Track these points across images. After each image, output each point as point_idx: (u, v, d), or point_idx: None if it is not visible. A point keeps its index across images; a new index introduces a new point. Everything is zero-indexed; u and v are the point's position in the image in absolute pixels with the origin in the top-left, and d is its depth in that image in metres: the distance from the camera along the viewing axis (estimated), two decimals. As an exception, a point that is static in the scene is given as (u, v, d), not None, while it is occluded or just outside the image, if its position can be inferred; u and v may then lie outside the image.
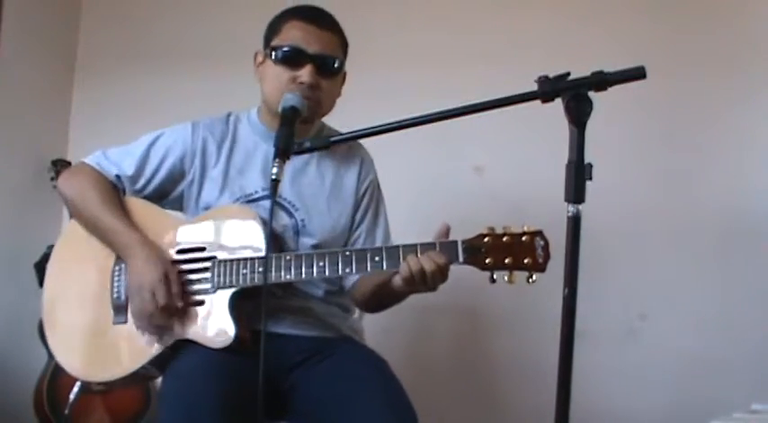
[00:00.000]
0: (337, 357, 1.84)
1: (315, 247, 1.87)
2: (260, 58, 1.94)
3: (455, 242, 1.64)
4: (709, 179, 2.71)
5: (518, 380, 2.79)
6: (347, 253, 1.69)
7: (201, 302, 1.77)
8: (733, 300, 2.64)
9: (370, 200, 1.98)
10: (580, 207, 1.30)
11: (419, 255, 1.63)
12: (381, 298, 1.85)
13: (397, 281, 1.67)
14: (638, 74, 1.31)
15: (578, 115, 1.31)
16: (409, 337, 2.87)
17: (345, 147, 1.97)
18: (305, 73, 1.83)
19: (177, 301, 1.74)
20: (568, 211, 1.30)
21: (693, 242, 2.70)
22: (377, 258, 1.66)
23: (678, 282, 2.70)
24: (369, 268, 1.67)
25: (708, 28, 2.74)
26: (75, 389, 2.78)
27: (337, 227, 1.92)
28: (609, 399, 2.67)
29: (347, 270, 1.68)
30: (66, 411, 2.78)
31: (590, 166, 1.30)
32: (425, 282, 1.63)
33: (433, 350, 2.89)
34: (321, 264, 1.69)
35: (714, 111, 2.72)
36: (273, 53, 1.87)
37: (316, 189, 1.93)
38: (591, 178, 1.30)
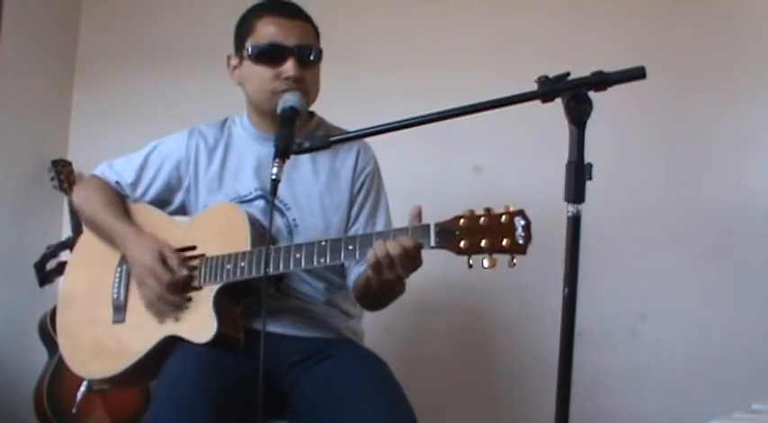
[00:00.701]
0: (337, 358, 1.84)
1: None
2: (234, 62, 1.94)
3: (428, 225, 1.56)
4: (708, 179, 2.71)
5: (518, 380, 2.79)
6: (322, 243, 1.66)
7: (190, 299, 1.78)
8: (733, 300, 2.64)
9: (367, 193, 1.96)
10: (580, 207, 1.29)
11: (388, 240, 1.57)
12: (370, 293, 1.83)
13: (369, 271, 1.63)
14: (638, 74, 1.31)
15: (578, 115, 1.30)
16: (409, 337, 2.86)
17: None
18: (288, 67, 1.82)
19: (179, 272, 1.76)
20: (568, 211, 1.29)
21: (693, 242, 2.70)
22: (350, 247, 1.62)
23: (678, 282, 2.70)
24: (342, 257, 1.63)
25: (707, 28, 2.74)
26: (83, 388, 2.79)
27: (331, 227, 1.91)
28: (609, 399, 2.67)
29: (322, 260, 1.64)
30: (74, 410, 2.78)
31: (590, 166, 1.30)
32: (393, 267, 1.56)
33: (432, 350, 2.88)
34: (298, 256, 1.67)
35: (714, 111, 2.72)
36: (252, 53, 1.86)
37: (310, 187, 1.93)
38: (591, 178, 1.30)
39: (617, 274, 2.73)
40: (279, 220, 1.90)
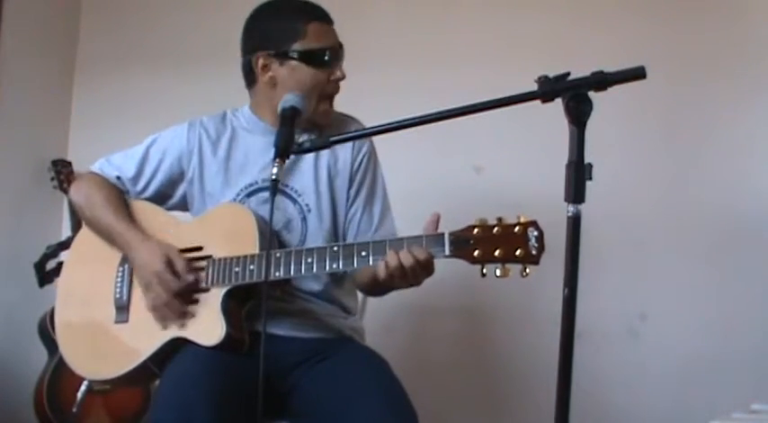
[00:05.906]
0: (338, 358, 1.84)
1: (322, 228, 1.89)
2: (264, 62, 1.88)
3: (442, 234, 1.58)
4: (708, 179, 2.71)
5: (518, 380, 2.79)
6: (335, 249, 1.67)
7: (197, 301, 1.78)
8: (733, 300, 2.64)
9: (365, 172, 1.96)
10: (580, 207, 1.30)
11: (401, 250, 1.58)
12: (376, 287, 1.82)
13: (381, 275, 1.64)
14: (637, 74, 1.31)
15: (578, 115, 1.31)
16: (410, 337, 2.87)
17: (339, 122, 1.97)
18: (340, 71, 1.90)
19: (186, 277, 1.76)
20: (568, 211, 1.30)
21: (693, 242, 2.70)
22: (363, 253, 1.63)
23: (678, 282, 2.70)
24: (356, 264, 1.65)
25: (708, 28, 2.74)
26: (83, 388, 2.79)
27: (339, 206, 1.93)
28: (609, 399, 2.67)
29: (334, 266, 1.66)
30: (75, 410, 2.78)
31: (590, 166, 1.30)
32: (406, 277, 1.59)
33: (433, 350, 2.89)
34: (309, 260, 1.68)
35: (714, 111, 2.72)
36: (303, 56, 1.85)
37: (315, 171, 1.93)
38: (591, 178, 1.30)
39: (617, 274, 2.73)
40: (291, 208, 1.90)
